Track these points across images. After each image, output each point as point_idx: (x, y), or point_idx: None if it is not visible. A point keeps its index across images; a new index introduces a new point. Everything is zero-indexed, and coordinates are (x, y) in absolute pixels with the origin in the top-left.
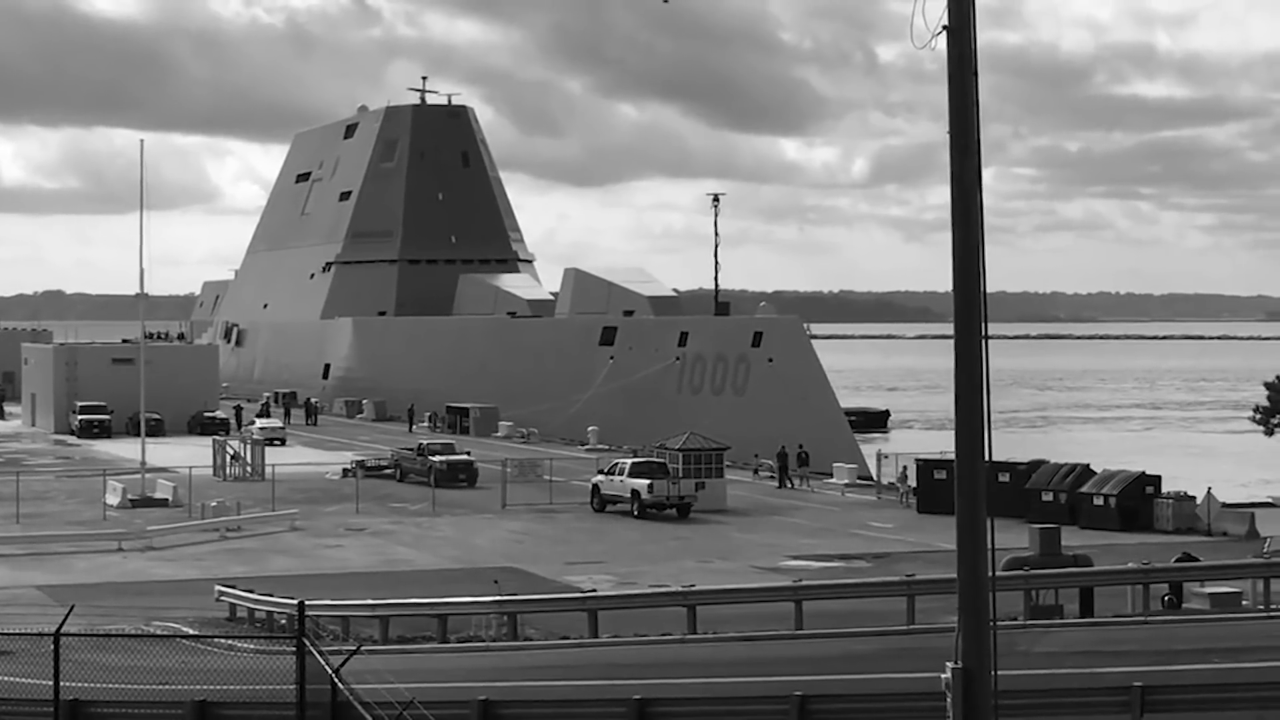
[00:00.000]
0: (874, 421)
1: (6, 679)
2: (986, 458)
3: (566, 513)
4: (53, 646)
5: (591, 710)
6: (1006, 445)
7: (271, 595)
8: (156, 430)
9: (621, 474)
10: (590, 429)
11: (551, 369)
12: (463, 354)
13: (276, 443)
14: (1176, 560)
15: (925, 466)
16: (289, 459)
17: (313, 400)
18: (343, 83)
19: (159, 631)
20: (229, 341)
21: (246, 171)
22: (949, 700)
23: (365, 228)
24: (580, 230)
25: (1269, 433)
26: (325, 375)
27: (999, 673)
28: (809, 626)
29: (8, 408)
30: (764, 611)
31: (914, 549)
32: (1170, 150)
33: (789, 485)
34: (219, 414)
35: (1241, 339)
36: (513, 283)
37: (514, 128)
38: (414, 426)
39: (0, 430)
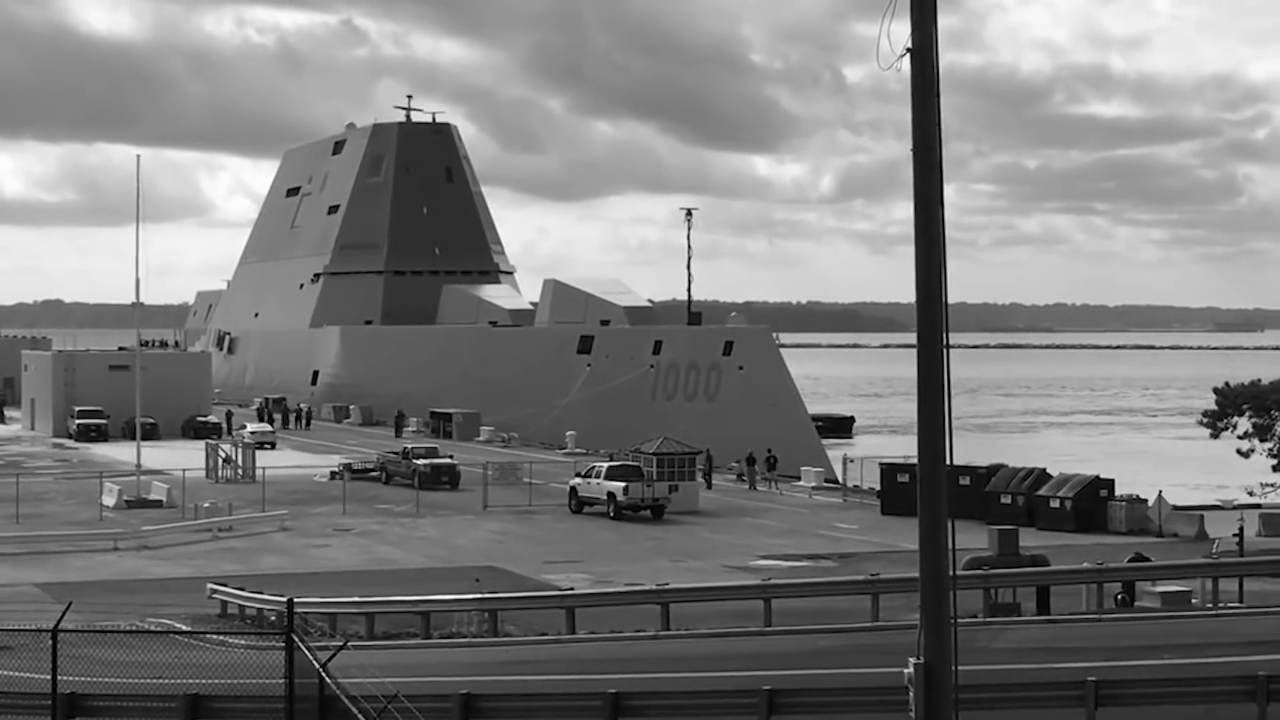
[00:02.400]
0: (839, 427)
1: (6, 673)
2: (947, 462)
3: (545, 514)
4: (51, 642)
5: (569, 703)
6: (967, 450)
7: (262, 593)
8: (151, 434)
9: (598, 477)
10: (568, 433)
11: (531, 376)
12: (446, 361)
13: (267, 446)
14: (1129, 560)
15: (888, 470)
16: (279, 462)
17: (301, 406)
18: (331, 101)
19: (153, 628)
20: (221, 349)
21: (239, 186)
22: (911, 695)
23: (352, 240)
24: (559, 243)
25: (1215, 436)
26: (314, 382)
27: (959, 668)
28: (777, 623)
29: (8, 412)
30: (734, 609)
31: (878, 549)
32: (1124, 168)
33: (754, 486)
34: (211, 418)
35: (1192, 348)
36: (494, 293)
37: (496, 144)
38: (402, 432)
39: (0, 434)
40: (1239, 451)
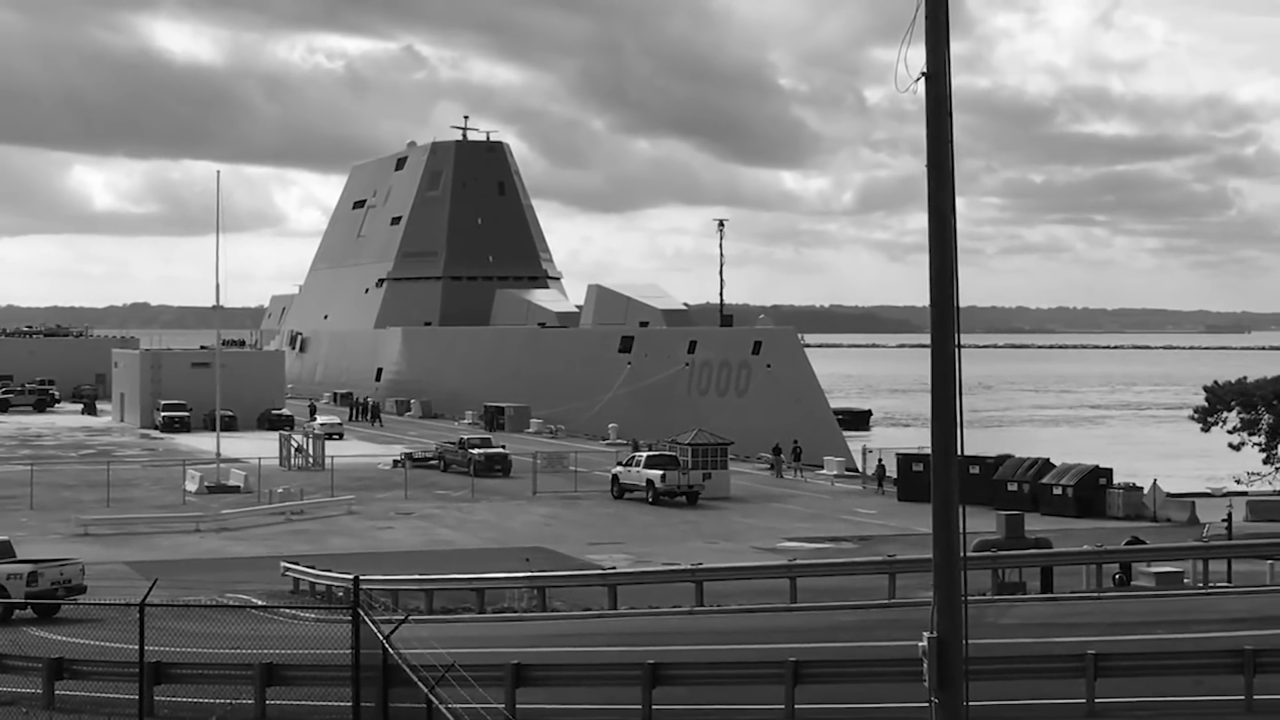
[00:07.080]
0: (859, 420)
1: (99, 643)
2: (959, 452)
3: (589, 499)
4: (139, 615)
5: (611, 673)
6: (976, 441)
7: (330, 571)
8: (230, 426)
9: (638, 465)
10: (610, 426)
11: (576, 373)
12: (499, 360)
13: (335, 437)
14: (1126, 543)
15: (904, 460)
16: (346, 451)
17: (369, 400)
18: (394, 121)
19: (231, 603)
20: (294, 348)
21: (309, 199)
22: (925, 666)
23: (413, 248)
24: (602, 251)
25: (1205, 430)
26: (378, 378)
27: (969, 642)
28: (802, 600)
29: (100, 406)
30: (763, 587)
31: (894, 532)
32: (1122, 182)
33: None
34: (285, 411)
35: (1183, 349)
36: (542, 297)
37: (545, 160)
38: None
39: (93, 425)
40: (1230, 445)
